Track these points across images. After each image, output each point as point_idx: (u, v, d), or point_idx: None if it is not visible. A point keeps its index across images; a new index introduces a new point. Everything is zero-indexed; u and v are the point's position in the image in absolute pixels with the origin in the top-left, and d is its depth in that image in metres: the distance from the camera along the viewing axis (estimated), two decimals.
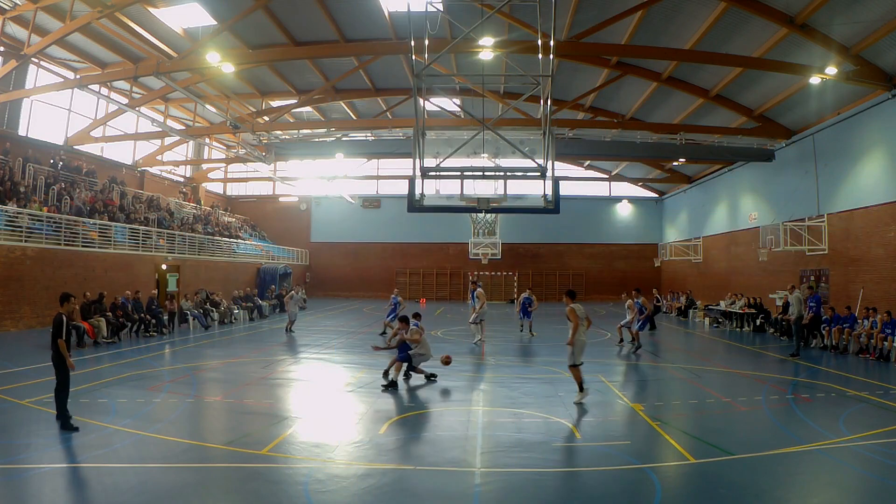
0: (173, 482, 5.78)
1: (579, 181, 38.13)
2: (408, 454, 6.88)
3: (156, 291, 19.82)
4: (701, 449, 7.03)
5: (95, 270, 19.11)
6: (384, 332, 17.78)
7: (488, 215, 28.99)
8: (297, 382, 11.44)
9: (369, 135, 25.80)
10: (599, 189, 40.58)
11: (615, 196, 40.76)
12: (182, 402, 9.15)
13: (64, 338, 7.41)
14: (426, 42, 10.56)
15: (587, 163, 37.31)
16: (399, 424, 8.07)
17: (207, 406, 9.26)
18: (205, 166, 36.88)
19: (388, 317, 18.19)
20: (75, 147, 25.28)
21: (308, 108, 28.97)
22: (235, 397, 9.65)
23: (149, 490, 5.52)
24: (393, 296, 18.89)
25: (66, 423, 7.29)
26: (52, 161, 23.03)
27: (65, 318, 7.58)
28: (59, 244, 18.04)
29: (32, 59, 21.14)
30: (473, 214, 28.96)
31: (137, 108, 24.44)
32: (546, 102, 10.29)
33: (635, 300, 16.37)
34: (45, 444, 6.79)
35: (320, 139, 26.04)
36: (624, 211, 40.94)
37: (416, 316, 11.57)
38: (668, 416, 8.60)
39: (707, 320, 23.78)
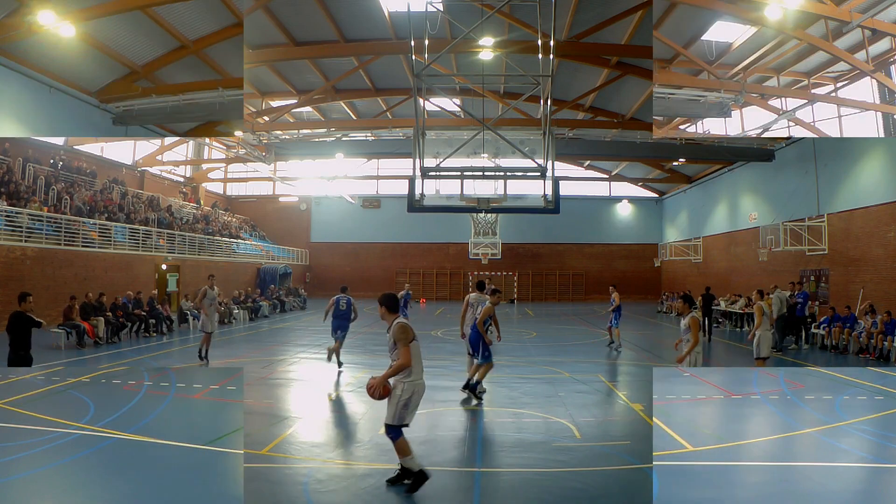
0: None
1: (579, 181, 38.04)
2: None
3: (156, 291, 19.79)
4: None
5: (95, 270, 19.09)
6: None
7: (488, 215, 28.95)
8: (297, 382, 11.44)
9: (369, 135, 25.78)
10: (599, 189, 40.53)
11: (615, 196, 40.72)
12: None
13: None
14: (426, 42, 10.56)
15: (587, 163, 37.25)
16: None
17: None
18: (205, 166, 36.83)
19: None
20: (75, 147, 25.25)
21: (308, 108, 28.89)
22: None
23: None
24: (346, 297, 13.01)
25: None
26: (52, 161, 23.00)
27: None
28: (59, 244, 18.03)
29: None
30: (473, 214, 28.93)
31: None
32: (546, 102, 10.29)
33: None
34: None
35: (320, 139, 26.02)
36: (624, 211, 40.92)
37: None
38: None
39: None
